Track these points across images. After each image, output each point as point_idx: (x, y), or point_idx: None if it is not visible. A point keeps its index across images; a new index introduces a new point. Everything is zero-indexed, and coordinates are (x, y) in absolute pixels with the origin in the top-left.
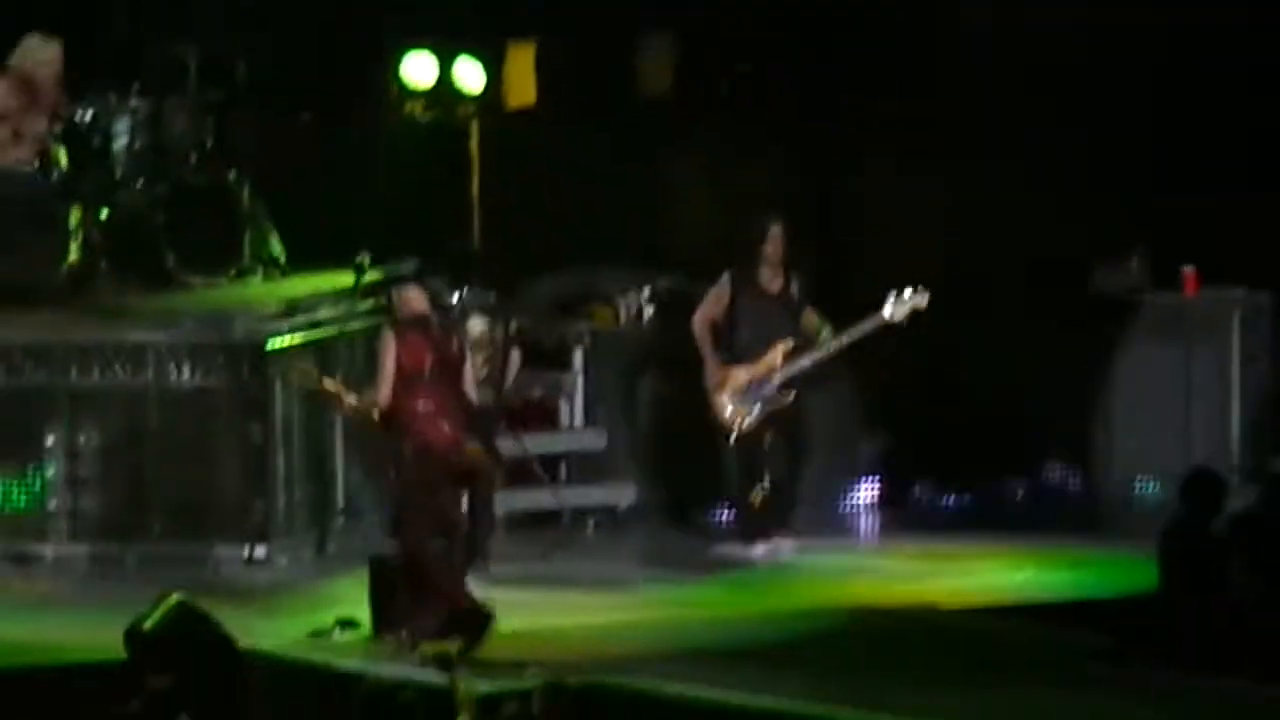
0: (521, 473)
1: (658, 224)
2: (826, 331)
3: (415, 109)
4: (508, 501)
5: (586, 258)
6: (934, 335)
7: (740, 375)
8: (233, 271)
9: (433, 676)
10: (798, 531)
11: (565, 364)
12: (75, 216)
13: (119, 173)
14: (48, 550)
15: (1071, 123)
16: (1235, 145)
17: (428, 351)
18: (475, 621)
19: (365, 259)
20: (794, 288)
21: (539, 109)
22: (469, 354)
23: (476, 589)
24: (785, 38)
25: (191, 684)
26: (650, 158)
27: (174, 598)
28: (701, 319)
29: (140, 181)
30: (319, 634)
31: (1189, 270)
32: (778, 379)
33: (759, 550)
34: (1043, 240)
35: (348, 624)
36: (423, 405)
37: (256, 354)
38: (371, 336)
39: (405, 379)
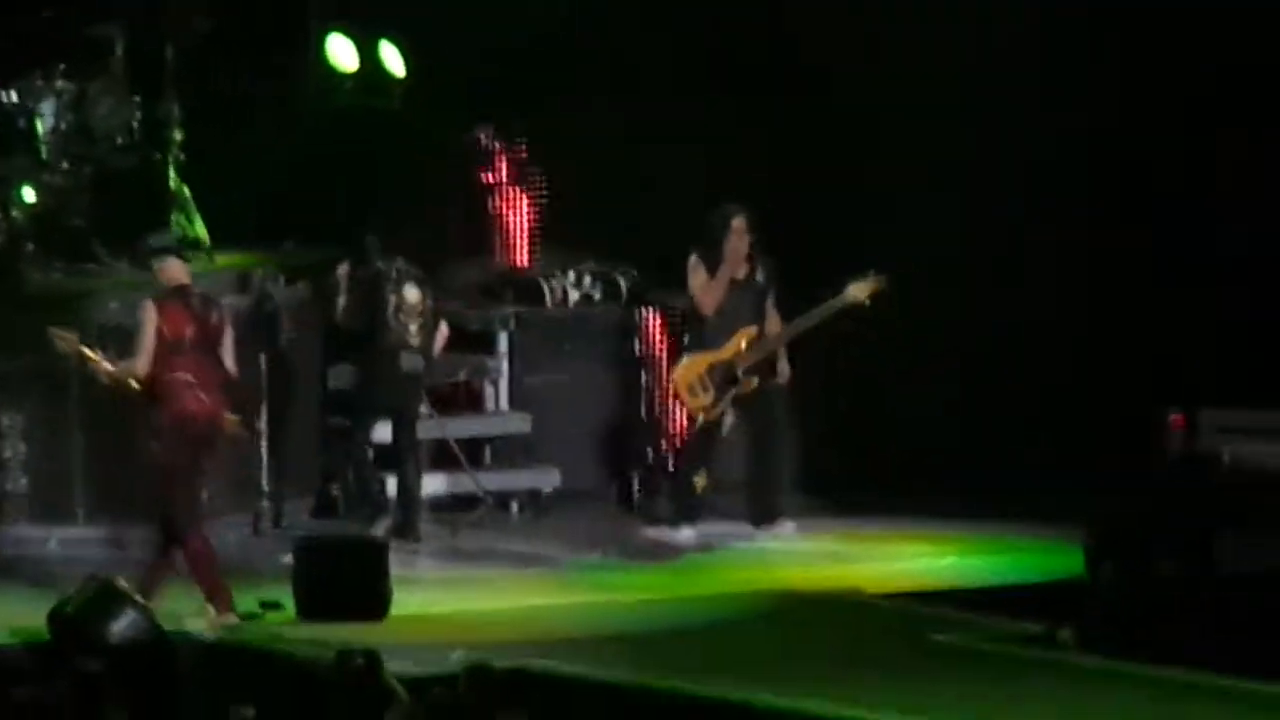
0: (444, 455)
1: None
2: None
3: (340, 92)
4: (431, 484)
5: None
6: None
7: (700, 361)
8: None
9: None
10: (776, 514)
11: (490, 348)
12: None
13: (44, 154)
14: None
15: None
16: None
17: (187, 322)
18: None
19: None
20: (760, 274)
21: None
22: (229, 326)
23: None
24: None
25: (118, 667)
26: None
27: (95, 578)
28: (700, 291)
29: (65, 164)
30: (244, 616)
31: None
32: (742, 364)
33: (686, 534)
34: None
35: (272, 605)
36: (181, 375)
37: None
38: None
39: (164, 348)
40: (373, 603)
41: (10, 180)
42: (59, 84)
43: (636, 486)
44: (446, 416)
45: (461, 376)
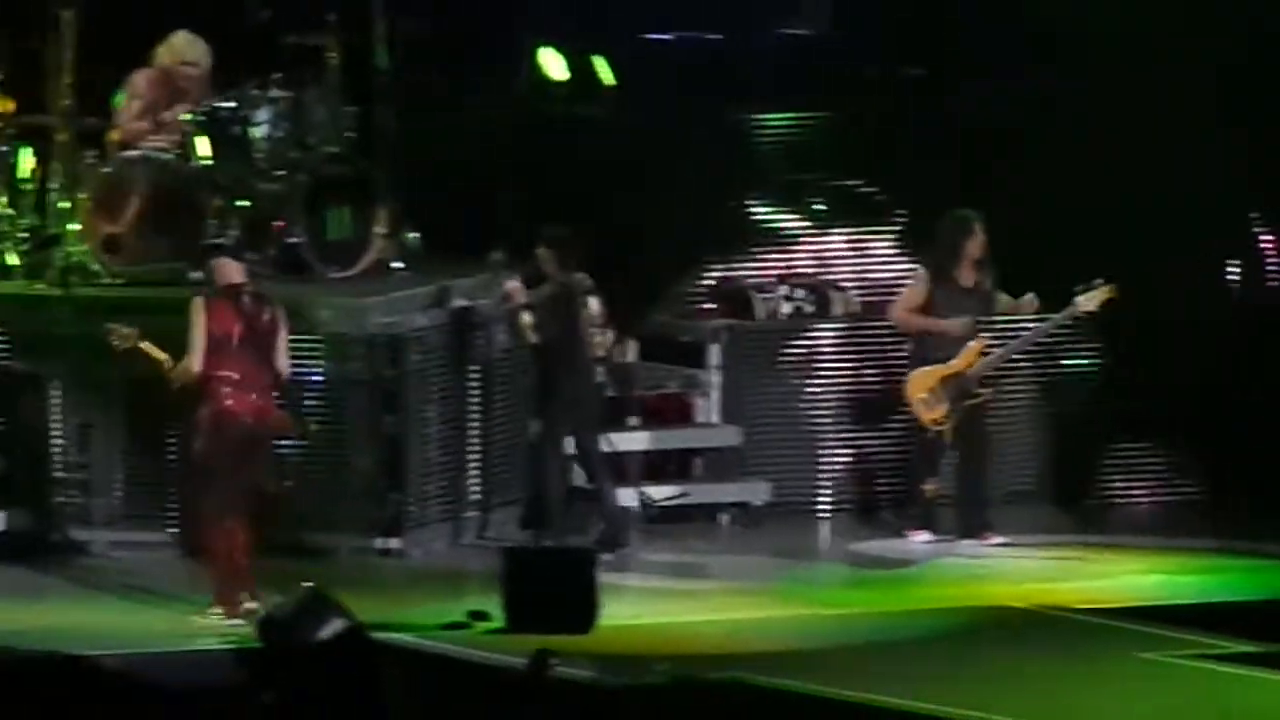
0: (658, 467)
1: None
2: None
3: (552, 101)
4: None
5: (725, 253)
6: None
7: (933, 373)
8: (369, 263)
9: (576, 668)
10: (986, 528)
11: (701, 360)
12: (214, 206)
13: (258, 163)
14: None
15: None
16: None
17: (235, 321)
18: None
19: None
20: (988, 282)
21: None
22: (283, 326)
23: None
24: None
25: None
26: None
27: (306, 587)
28: (904, 310)
29: (279, 172)
30: (451, 626)
31: None
32: (974, 374)
33: (918, 541)
34: None
35: (480, 615)
36: (225, 373)
37: (392, 345)
38: None
39: (213, 347)
40: (581, 614)
41: (225, 188)
42: (274, 93)
43: (855, 499)
44: (656, 428)
45: (671, 388)
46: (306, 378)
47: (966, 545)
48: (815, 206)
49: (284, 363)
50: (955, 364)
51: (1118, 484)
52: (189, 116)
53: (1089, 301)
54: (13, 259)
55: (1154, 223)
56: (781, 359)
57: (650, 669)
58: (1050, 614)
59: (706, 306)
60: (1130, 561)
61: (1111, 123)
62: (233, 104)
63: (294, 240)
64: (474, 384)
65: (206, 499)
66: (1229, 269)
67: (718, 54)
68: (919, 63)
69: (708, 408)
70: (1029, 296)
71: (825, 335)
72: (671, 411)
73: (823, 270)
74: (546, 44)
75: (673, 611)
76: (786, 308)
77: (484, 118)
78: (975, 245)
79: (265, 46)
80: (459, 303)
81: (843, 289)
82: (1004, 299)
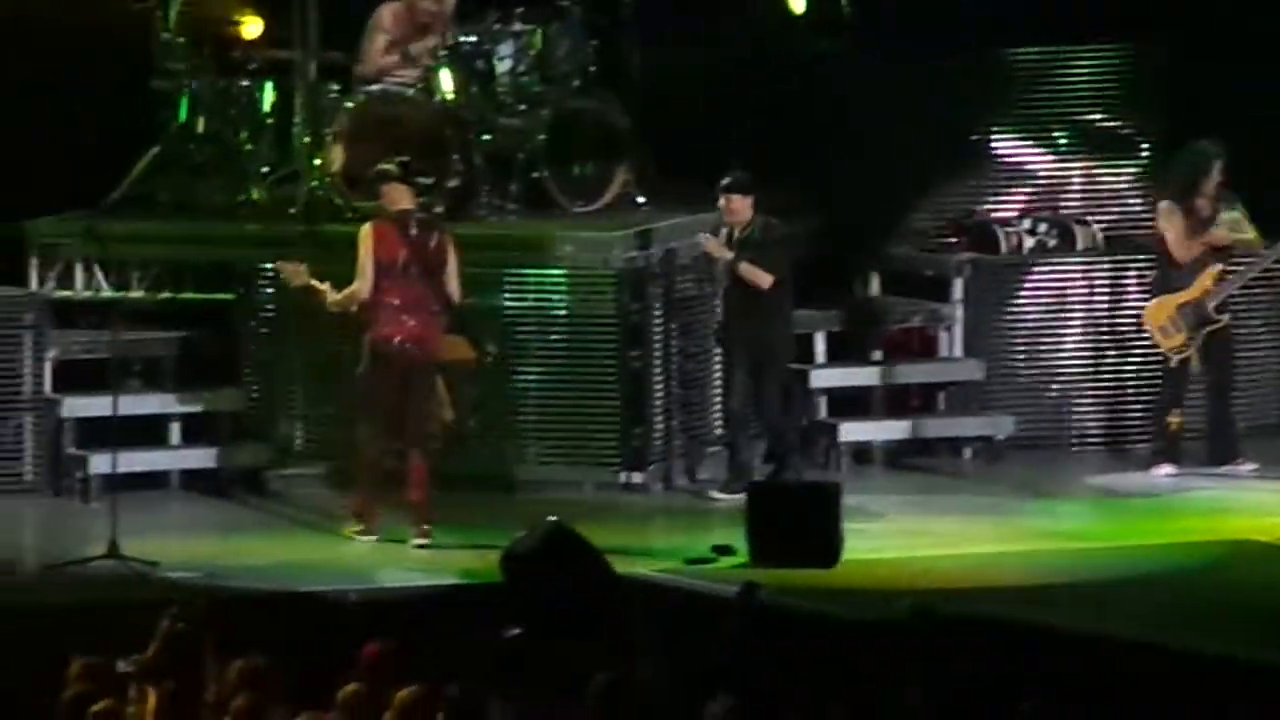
0: (901, 402)
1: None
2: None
3: (793, 34)
4: (884, 430)
5: (968, 187)
6: None
7: (1170, 301)
8: (610, 198)
9: (815, 601)
10: (1235, 456)
11: (944, 294)
12: (457, 139)
13: (501, 97)
14: None
15: None
16: None
17: (400, 246)
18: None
19: None
20: (1224, 211)
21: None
22: (453, 252)
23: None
24: None
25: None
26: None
27: (548, 522)
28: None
29: (522, 106)
30: (695, 560)
31: None
32: (1211, 302)
33: (1164, 473)
34: None
35: (724, 550)
36: (389, 299)
37: (637, 280)
38: None
39: (379, 273)
40: (825, 548)
41: (468, 122)
42: (517, 26)
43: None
44: (899, 362)
45: (915, 322)
46: (550, 312)
47: (1211, 478)
48: (1059, 140)
49: (455, 289)
50: (1191, 291)
51: None
52: (433, 51)
53: None
54: (256, 194)
55: None
56: (1025, 293)
57: (892, 604)
58: None
59: (949, 240)
60: None
61: None
62: (475, 38)
63: (537, 174)
64: (718, 319)
65: (367, 424)
66: None
67: None
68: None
69: (950, 341)
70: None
71: (1069, 269)
72: (914, 346)
73: (1066, 204)
74: None
75: (915, 546)
76: (1030, 241)
77: (725, 52)
78: (1214, 177)
79: None
80: (701, 237)
81: (1086, 223)
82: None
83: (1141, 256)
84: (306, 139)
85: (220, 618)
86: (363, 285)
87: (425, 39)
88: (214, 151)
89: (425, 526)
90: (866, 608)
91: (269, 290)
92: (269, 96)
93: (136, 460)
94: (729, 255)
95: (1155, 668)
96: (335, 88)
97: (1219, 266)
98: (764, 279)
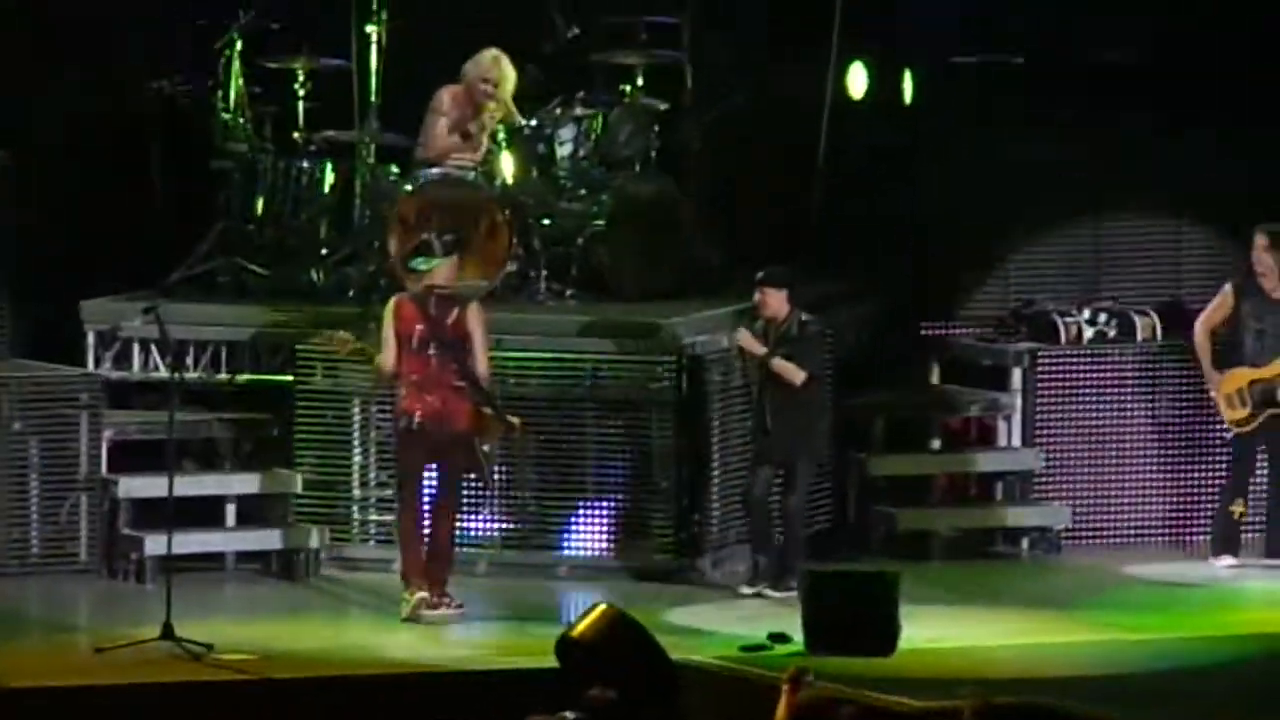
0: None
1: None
2: None
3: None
4: (942, 519)
5: (1024, 276)
6: None
7: (1243, 375)
8: (668, 282)
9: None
10: None
11: (1003, 383)
12: (516, 223)
13: (561, 181)
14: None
15: None
16: None
17: (417, 321)
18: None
19: None
20: None
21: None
22: (477, 328)
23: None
24: None
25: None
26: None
27: (604, 606)
28: (1203, 326)
29: (582, 191)
30: (751, 648)
31: None
32: None
33: (1224, 563)
34: None
35: (780, 638)
36: (408, 374)
37: (694, 364)
38: None
39: (400, 347)
40: (882, 637)
41: (528, 205)
42: (578, 111)
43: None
44: (957, 451)
45: (974, 411)
46: (606, 396)
47: (1271, 569)
48: (1115, 229)
49: (481, 364)
50: (1266, 370)
51: None
52: (492, 131)
53: None
54: (315, 276)
55: None
56: (1084, 383)
57: (950, 694)
58: None
59: (1009, 329)
60: None
61: None
62: (536, 122)
63: (596, 258)
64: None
65: (402, 494)
66: None
67: (1021, 75)
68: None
69: (1009, 431)
70: None
71: (1128, 358)
72: (973, 435)
73: (1126, 293)
74: (852, 60)
75: (973, 636)
76: (1089, 331)
77: (788, 135)
78: (1265, 254)
79: (572, 65)
80: (739, 333)
81: (1146, 313)
82: None
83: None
84: (366, 221)
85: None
86: (385, 359)
87: (484, 119)
88: (273, 233)
89: (443, 598)
90: (924, 697)
91: (326, 372)
92: (329, 178)
93: (192, 541)
94: (762, 350)
95: None
96: (395, 170)
97: None
98: (797, 375)
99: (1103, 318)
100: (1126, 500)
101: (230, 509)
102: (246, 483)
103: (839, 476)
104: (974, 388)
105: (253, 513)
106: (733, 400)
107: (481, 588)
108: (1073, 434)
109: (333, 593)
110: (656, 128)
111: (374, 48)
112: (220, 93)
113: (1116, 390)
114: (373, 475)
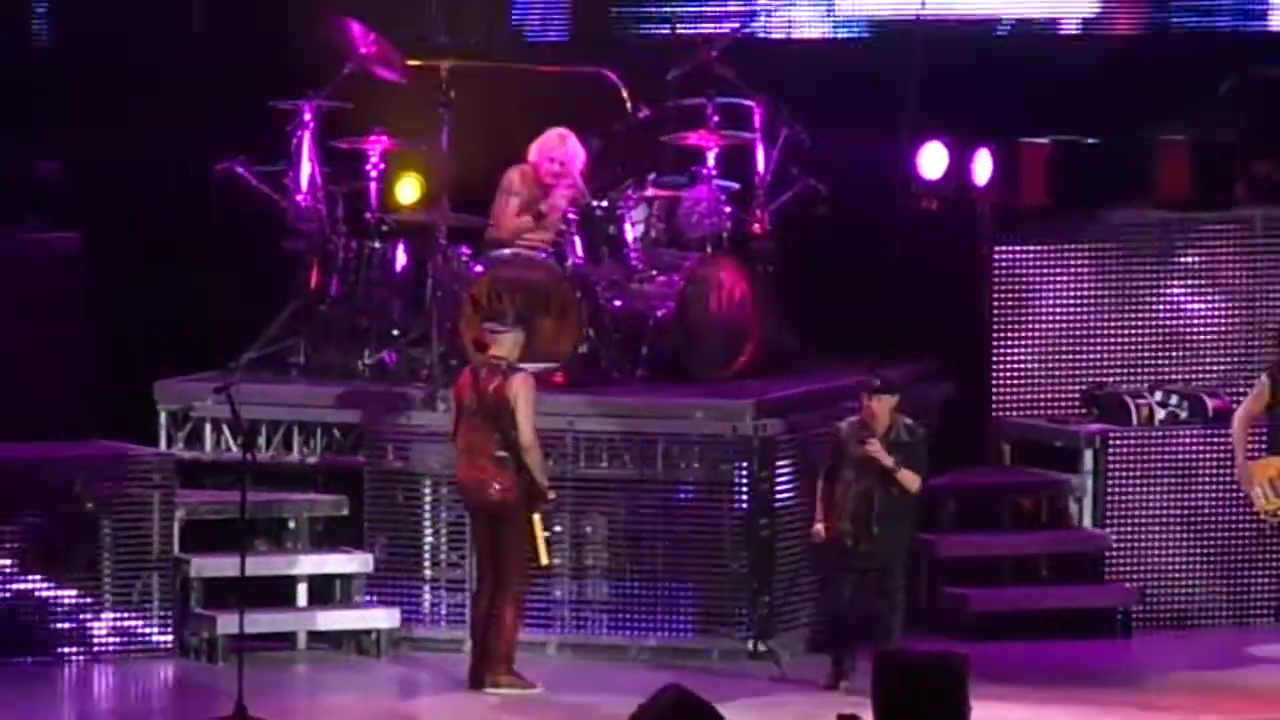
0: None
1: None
2: None
3: (928, 201)
4: (1013, 600)
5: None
6: None
7: (1275, 464)
8: (742, 364)
9: None
10: None
11: (1074, 465)
12: (586, 305)
13: (632, 262)
14: (551, 640)
15: None
16: None
17: (467, 390)
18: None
19: None
20: None
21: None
22: (519, 398)
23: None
24: None
25: None
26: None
27: (675, 688)
28: (1241, 418)
29: (653, 271)
30: None
31: None
32: None
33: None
34: None
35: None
36: (461, 441)
37: (764, 447)
38: None
39: (456, 416)
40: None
41: (599, 287)
42: (649, 191)
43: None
44: (1028, 531)
45: (1045, 493)
46: (678, 478)
47: None
48: (1188, 310)
49: (523, 433)
50: None
51: None
52: (564, 210)
53: None
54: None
55: None
56: (1156, 465)
57: None
58: None
59: (1079, 411)
60: None
61: None
62: (607, 203)
63: (666, 340)
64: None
65: (477, 568)
66: None
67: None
68: None
69: (1080, 512)
70: None
71: (1200, 440)
72: (1044, 516)
73: (1197, 376)
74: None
75: (1043, 717)
76: (1161, 413)
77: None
78: None
79: (643, 145)
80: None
81: (1217, 394)
82: None
83: None
84: (438, 302)
85: None
86: (451, 429)
87: (555, 198)
88: (346, 313)
89: (502, 678)
90: None
91: (397, 452)
92: (401, 259)
93: (264, 621)
94: (890, 461)
95: None
96: (467, 251)
97: None
98: (915, 483)
99: (1174, 399)
100: (1198, 582)
101: (302, 589)
102: (318, 563)
103: (910, 557)
104: (1045, 469)
105: (325, 592)
106: (804, 481)
107: (552, 669)
108: (1145, 515)
109: (404, 673)
110: (729, 209)
111: (444, 128)
112: (291, 173)
113: (1189, 471)
114: (444, 556)
